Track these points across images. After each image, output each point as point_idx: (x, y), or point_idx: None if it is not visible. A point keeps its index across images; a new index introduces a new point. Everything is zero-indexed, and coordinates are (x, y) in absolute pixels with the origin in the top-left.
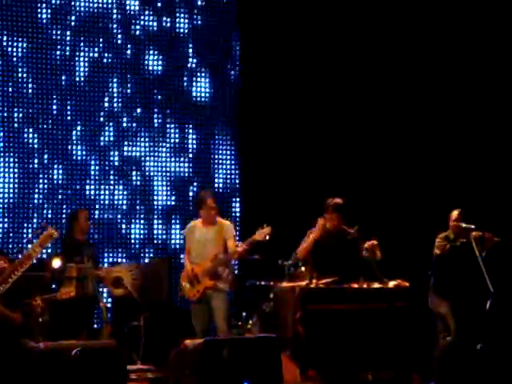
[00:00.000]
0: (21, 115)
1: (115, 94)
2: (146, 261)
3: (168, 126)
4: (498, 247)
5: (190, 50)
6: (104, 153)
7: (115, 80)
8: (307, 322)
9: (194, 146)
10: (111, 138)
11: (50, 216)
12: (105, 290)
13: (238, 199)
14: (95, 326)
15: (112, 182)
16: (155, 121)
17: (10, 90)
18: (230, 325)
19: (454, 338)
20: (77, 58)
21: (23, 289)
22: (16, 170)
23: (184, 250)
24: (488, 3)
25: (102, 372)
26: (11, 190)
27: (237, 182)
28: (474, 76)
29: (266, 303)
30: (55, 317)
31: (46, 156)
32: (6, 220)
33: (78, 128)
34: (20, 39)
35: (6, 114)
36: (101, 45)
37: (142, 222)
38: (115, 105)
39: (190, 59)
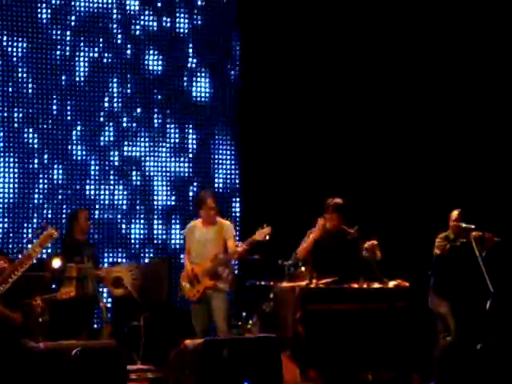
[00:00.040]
0: (21, 115)
1: (115, 94)
2: (146, 261)
3: (168, 125)
4: (498, 247)
5: (190, 50)
6: (104, 153)
7: (115, 80)
8: (307, 322)
9: (194, 146)
10: (111, 138)
11: (50, 216)
12: (105, 289)
13: (237, 199)
14: (95, 325)
15: (112, 182)
16: (155, 121)
17: (10, 89)
18: (230, 325)
19: (453, 337)
20: (77, 58)
21: (23, 289)
22: (16, 170)
23: (184, 250)
24: (488, 3)
25: (102, 372)
26: (11, 190)
27: (237, 181)
28: (474, 76)
29: (266, 303)
30: (55, 317)
31: (46, 156)
32: (5, 220)
33: (78, 128)
34: (20, 39)
35: (6, 114)
36: (101, 45)
37: (141, 221)
38: (115, 105)
39: (190, 59)
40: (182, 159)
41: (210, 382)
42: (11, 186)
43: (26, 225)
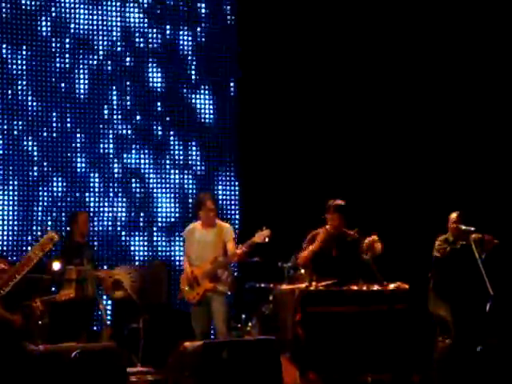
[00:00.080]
0: (20, 127)
1: (115, 106)
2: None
3: (170, 138)
4: (498, 249)
5: (193, 67)
6: (104, 165)
7: (115, 92)
8: (307, 324)
9: (194, 157)
10: (111, 150)
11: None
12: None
13: (237, 201)
14: (95, 328)
15: (111, 194)
16: (155, 133)
17: (10, 100)
18: (230, 327)
19: (453, 340)
20: (76, 70)
21: (23, 291)
22: (16, 183)
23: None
24: (488, 3)
25: (101, 374)
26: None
27: (236, 185)
28: (474, 78)
29: (265, 305)
30: (55, 319)
31: (45, 164)
32: (5, 228)
33: (78, 140)
34: (20, 49)
35: (5, 127)
36: (101, 57)
37: (144, 235)
38: (115, 116)
39: (193, 71)
40: (185, 171)
41: None
42: (11, 196)
43: (26, 237)
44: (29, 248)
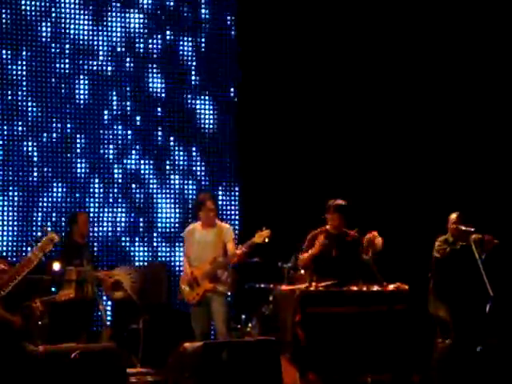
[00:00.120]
0: (20, 132)
1: (115, 112)
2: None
3: (171, 143)
4: (498, 250)
5: (193, 72)
6: (104, 170)
7: (115, 96)
8: (307, 325)
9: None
10: (111, 156)
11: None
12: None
13: (237, 201)
14: (95, 328)
15: (111, 200)
16: (155, 138)
17: (10, 103)
18: (230, 328)
19: (453, 340)
20: (76, 76)
21: (23, 291)
22: (16, 188)
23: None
24: (488, 3)
25: (101, 375)
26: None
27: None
28: (474, 78)
29: (265, 306)
30: (55, 320)
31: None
32: (5, 233)
33: (78, 145)
34: (20, 54)
35: (6, 132)
36: (104, 61)
37: (144, 240)
38: (115, 123)
39: (193, 76)
40: (186, 177)
41: None
42: (11, 200)
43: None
44: (28, 249)
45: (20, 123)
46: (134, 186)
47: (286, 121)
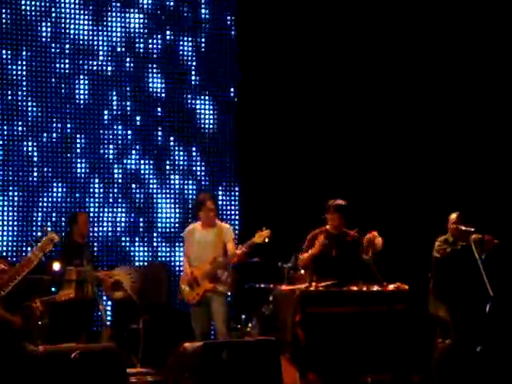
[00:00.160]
0: (20, 132)
1: (115, 109)
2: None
3: (171, 143)
4: (498, 250)
5: (193, 72)
6: (104, 170)
7: (115, 96)
8: (307, 325)
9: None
10: (111, 156)
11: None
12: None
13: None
14: (95, 328)
15: (111, 200)
16: (155, 137)
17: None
18: (230, 328)
19: (453, 340)
20: (76, 76)
21: (23, 291)
22: (16, 188)
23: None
24: (488, 3)
25: (101, 375)
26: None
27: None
28: (474, 78)
29: (265, 306)
30: (55, 320)
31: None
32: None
33: (78, 145)
34: (20, 54)
35: (6, 132)
36: (104, 61)
37: (144, 240)
38: (115, 123)
39: (193, 76)
40: (186, 177)
41: None
42: (11, 200)
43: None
44: (28, 249)
45: (20, 123)
46: (134, 186)
47: (285, 121)
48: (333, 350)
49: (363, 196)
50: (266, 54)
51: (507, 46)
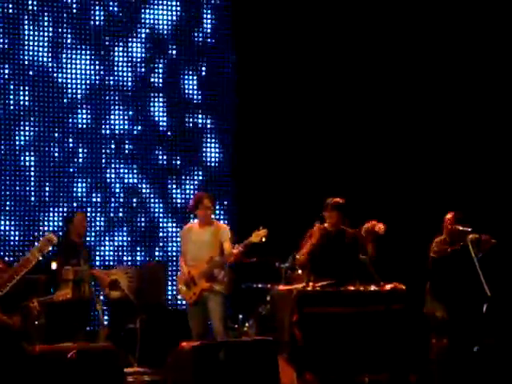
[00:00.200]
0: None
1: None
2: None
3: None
4: (495, 250)
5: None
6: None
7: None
8: (304, 325)
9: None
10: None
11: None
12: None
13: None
14: (92, 328)
15: (112, 210)
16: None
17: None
18: (227, 327)
19: (450, 340)
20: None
21: (21, 292)
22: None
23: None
24: (488, 3)
25: (98, 375)
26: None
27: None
28: (474, 78)
29: (262, 306)
30: (52, 319)
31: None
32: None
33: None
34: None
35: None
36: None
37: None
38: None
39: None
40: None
41: None
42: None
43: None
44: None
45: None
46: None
47: (283, 120)
48: (330, 350)
49: (360, 195)
50: (266, 53)
51: (507, 46)
